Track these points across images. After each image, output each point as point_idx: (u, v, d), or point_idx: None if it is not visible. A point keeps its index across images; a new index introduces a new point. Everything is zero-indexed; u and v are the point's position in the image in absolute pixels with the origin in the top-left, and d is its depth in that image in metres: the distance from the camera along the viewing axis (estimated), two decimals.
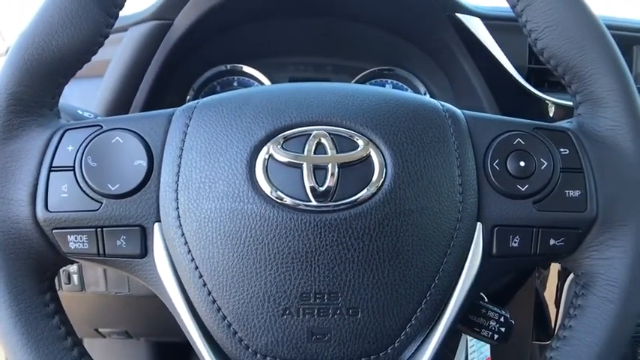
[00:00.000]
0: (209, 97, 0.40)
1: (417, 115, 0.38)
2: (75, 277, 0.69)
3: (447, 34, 0.70)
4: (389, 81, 0.83)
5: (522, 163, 0.38)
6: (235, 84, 0.83)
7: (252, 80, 0.83)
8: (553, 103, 0.66)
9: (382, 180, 0.35)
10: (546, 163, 0.38)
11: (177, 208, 0.36)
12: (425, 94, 0.80)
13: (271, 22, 0.78)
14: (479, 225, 0.37)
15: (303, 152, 0.35)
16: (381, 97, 0.39)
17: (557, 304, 0.72)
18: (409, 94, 0.41)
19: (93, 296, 0.72)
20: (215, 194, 0.35)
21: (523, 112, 0.68)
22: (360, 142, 0.36)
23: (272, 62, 0.83)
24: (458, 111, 0.40)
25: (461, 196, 0.37)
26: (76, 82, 0.73)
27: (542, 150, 0.38)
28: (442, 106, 0.39)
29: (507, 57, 0.69)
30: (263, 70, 0.82)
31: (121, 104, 0.67)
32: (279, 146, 0.36)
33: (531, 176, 0.38)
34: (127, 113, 0.68)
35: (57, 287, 0.68)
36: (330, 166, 0.35)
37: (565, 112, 0.66)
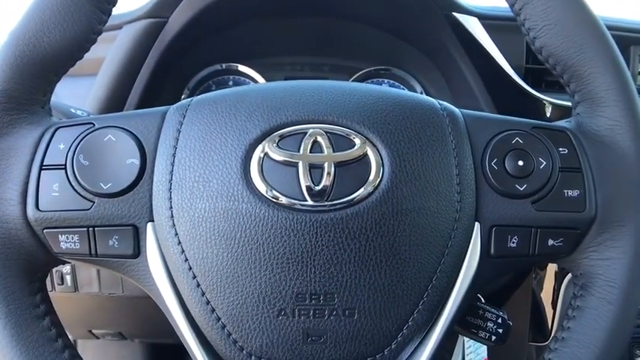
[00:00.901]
0: (203, 95, 0.39)
1: (415, 114, 0.37)
2: (68, 278, 0.68)
3: (444, 34, 0.69)
4: (385, 81, 0.83)
5: (521, 163, 0.37)
6: (231, 83, 0.82)
7: (247, 80, 0.82)
8: (550, 103, 0.66)
9: (379, 179, 0.35)
10: (545, 163, 0.37)
11: (171, 207, 0.35)
12: (421, 93, 0.80)
13: (267, 21, 0.77)
14: (477, 225, 0.37)
15: (298, 151, 0.35)
16: (378, 95, 0.38)
17: (553, 305, 0.71)
18: (407, 92, 0.40)
19: (86, 297, 0.71)
20: (209, 193, 0.35)
21: (520, 112, 0.67)
22: (357, 141, 0.35)
23: (268, 62, 0.82)
24: (456, 110, 0.39)
25: (459, 195, 0.36)
26: (69, 80, 0.72)
27: (541, 149, 0.38)
28: (440, 104, 0.39)
29: (504, 57, 0.69)
30: (259, 69, 0.81)
31: (114, 103, 0.67)
32: (274, 145, 0.35)
33: (530, 176, 0.37)
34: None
35: (50, 288, 0.68)
36: (326, 164, 0.34)
37: (562, 113, 0.66)
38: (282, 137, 0.36)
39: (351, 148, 0.35)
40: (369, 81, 0.83)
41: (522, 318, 0.77)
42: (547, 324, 0.73)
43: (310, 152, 0.35)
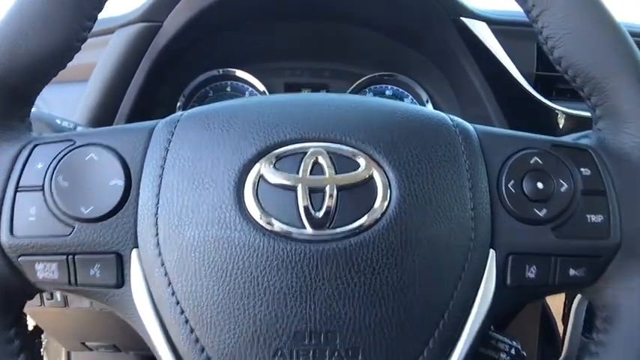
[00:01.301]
0: (194, 109, 0.36)
1: (425, 131, 0.34)
2: (57, 293, 0.65)
3: (451, 39, 0.66)
4: (389, 87, 0.80)
5: (540, 185, 0.34)
6: (229, 89, 0.79)
7: (246, 85, 0.79)
8: (563, 113, 0.62)
9: (386, 205, 0.32)
10: (566, 185, 0.34)
11: (157, 234, 0.32)
12: (427, 101, 0.77)
13: (266, 25, 0.74)
14: (492, 252, 0.34)
15: (297, 173, 0.32)
16: (384, 110, 0.35)
17: (564, 320, 0.68)
18: (415, 107, 0.37)
19: (78, 311, 0.68)
20: (199, 220, 0.32)
21: (531, 122, 0.64)
22: (362, 162, 0.32)
23: (267, 67, 0.79)
24: (469, 126, 0.36)
25: (473, 221, 0.33)
26: (59, 86, 0.69)
27: (562, 170, 0.35)
28: (452, 120, 0.36)
29: (514, 64, 0.65)
30: (257, 74, 0.78)
31: (106, 112, 0.63)
32: (271, 165, 0.32)
33: (549, 199, 0.34)
34: (113, 121, 0.64)
35: (39, 303, 0.65)
36: (327, 188, 0.31)
37: (576, 123, 0.62)
38: (279, 157, 0.33)
39: (355, 170, 0.32)
40: (373, 87, 0.80)
41: (532, 333, 0.75)
42: (558, 337, 0.71)
43: (310, 174, 0.32)
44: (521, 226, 0.34)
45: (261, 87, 0.78)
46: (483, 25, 0.66)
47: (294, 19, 0.75)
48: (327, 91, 0.81)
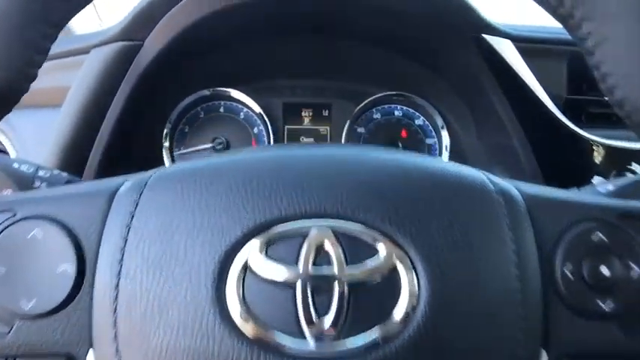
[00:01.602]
0: (165, 169, 0.29)
1: (461, 201, 0.27)
2: None
3: (471, 59, 0.59)
4: (398, 107, 0.73)
5: (604, 270, 0.27)
6: (221, 110, 0.72)
7: (240, 106, 0.72)
8: (601, 145, 0.54)
9: (413, 307, 0.24)
10: (637, 269, 0.27)
11: (116, 337, 0.25)
12: (442, 127, 0.69)
13: (261, 40, 0.66)
14: (543, 354, 0.27)
15: (296, 263, 0.25)
16: (408, 171, 0.28)
17: None
18: (445, 164, 0.30)
19: None
20: (167, 324, 0.24)
21: (561, 153, 0.57)
22: (381, 247, 0.25)
23: (264, 85, 0.72)
24: (513, 189, 0.29)
25: (522, 321, 0.26)
26: (29, 112, 0.61)
27: (632, 249, 0.28)
28: (492, 183, 0.28)
29: (542, 86, 0.58)
30: (253, 94, 0.71)
31: (81, 142, 0.56)
32: (261, 253, 0.25)
33: (616, 287, 0.27)
34: (89, 153, 0.56)
35: None
36: (336, 285, 0.24)
37: (614, 157, 0.54)
38: (272, 241, 0.25)
39: (371, 259, 0.25)
40: (380, 107, 0.72)
41: None
42: None
43: (313, 265, 0.24)
44: (579, 321, 0.27)
45: (257, 108, 0.71)
46: (508, 42, 0.59)
47: (293, 34, 0.67)
48: (330, 112, 0.74)
